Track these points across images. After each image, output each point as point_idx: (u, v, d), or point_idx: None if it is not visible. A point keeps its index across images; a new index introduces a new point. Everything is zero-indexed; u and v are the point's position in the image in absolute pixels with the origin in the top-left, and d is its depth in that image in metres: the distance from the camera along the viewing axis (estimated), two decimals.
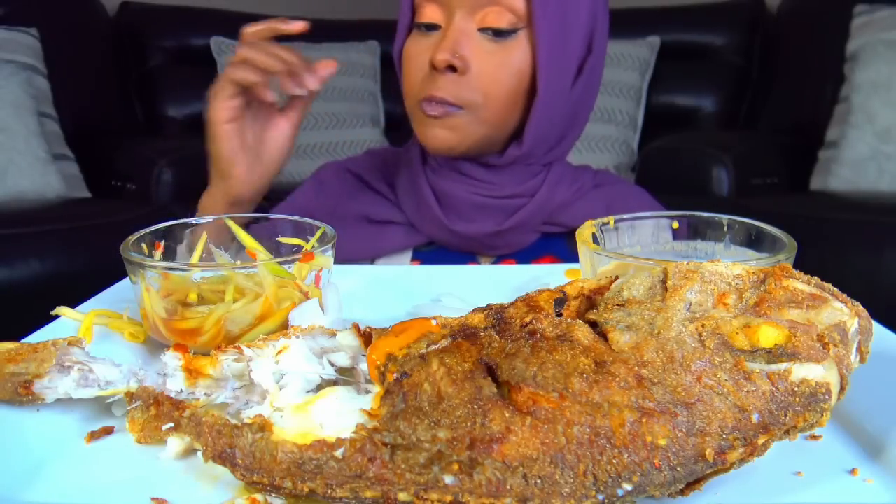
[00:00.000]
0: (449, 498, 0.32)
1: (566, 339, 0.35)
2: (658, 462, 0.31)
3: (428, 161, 0.90)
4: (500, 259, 0.92)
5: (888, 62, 1.99)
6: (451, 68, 0.78)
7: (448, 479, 0.32)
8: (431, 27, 0.81)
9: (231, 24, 2.50)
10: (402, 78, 0.86)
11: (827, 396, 0.32)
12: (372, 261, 0.92)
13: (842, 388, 0.34)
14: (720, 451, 0.31)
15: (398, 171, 0.94)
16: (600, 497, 0.31)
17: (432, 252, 0.93)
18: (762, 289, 0.35)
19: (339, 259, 0.84)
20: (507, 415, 0.33)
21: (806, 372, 0.32)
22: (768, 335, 0.33)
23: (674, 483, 0.32)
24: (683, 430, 0.32)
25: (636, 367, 0.33)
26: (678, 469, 0.31)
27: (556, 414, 0.32)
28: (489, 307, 0.40)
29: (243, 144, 0.82)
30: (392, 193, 0.94)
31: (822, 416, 0.33)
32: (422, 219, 0.90)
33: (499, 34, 0.79)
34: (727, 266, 0.37)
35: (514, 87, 0.82)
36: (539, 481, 0.31)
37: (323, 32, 2.54)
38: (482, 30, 0.79)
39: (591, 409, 0.32)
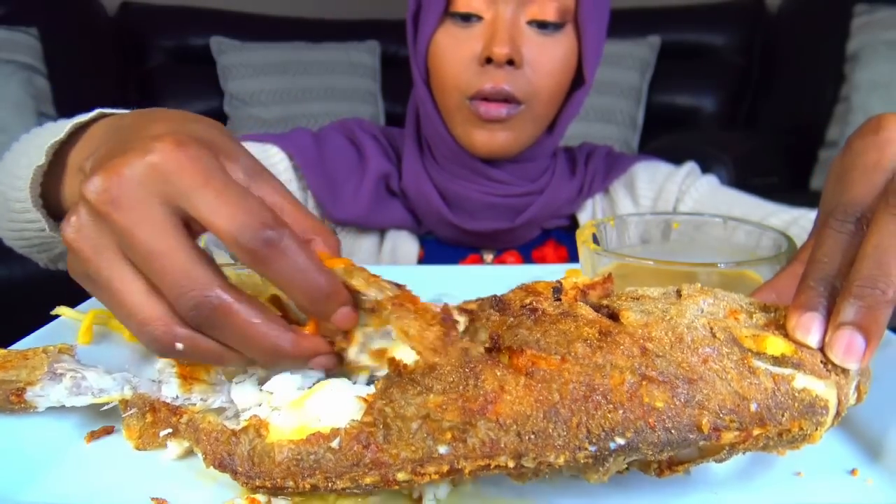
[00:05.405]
0: (445, 468, 0.32)
1: (569, 314, 0.35)
2: (653, 422, 0.31)
3: (428, 158, 0.88)
4: (501, 251, 0.91)
5: (888, 62, 1.99)
6: (510, 62, 0.77)
7: (442, 449, 0.32)
8: (470, 17, 0.79)
9: (231, 24, 2.53)
10: (435, 72, 0.82)
11: (824, 411, 0.33)
12: (381, 233, 0.90)
13: (838, 413, 0.34)
14: (715, 427, 0.32)
15: (400, 159, 0.91)
16: (592, 449, 0.32)
17: (434, 240, 0.92)
18: (772, 315, 0.36)
19: (353, 216, 0.78)
20: (498, 373, 0.33)
21: (808, 383, 0.33)
22: (776, 345, 0.33)
23: (667, 446, 0.32)
24: (682, 399, 0.32)
25: (642, 341, 0.33)
26: (672, 432, 0.32)
27: (554, 374, 0.32)
28: (484, 298, 0.40)
29: None
30: (397, 172, 0.91)
31: (817, 429, 0.33)
32: (424, 215, 0.89)
33: (545, 27, 0.78)
34: (739, 297, 0.38)
35: (563, 81, 0.82)
36: (532, 436, 0.32)
37: (323, 32, 2.55)
38: (529, 23, 0.78)
39: (591, 369, 0.32)
